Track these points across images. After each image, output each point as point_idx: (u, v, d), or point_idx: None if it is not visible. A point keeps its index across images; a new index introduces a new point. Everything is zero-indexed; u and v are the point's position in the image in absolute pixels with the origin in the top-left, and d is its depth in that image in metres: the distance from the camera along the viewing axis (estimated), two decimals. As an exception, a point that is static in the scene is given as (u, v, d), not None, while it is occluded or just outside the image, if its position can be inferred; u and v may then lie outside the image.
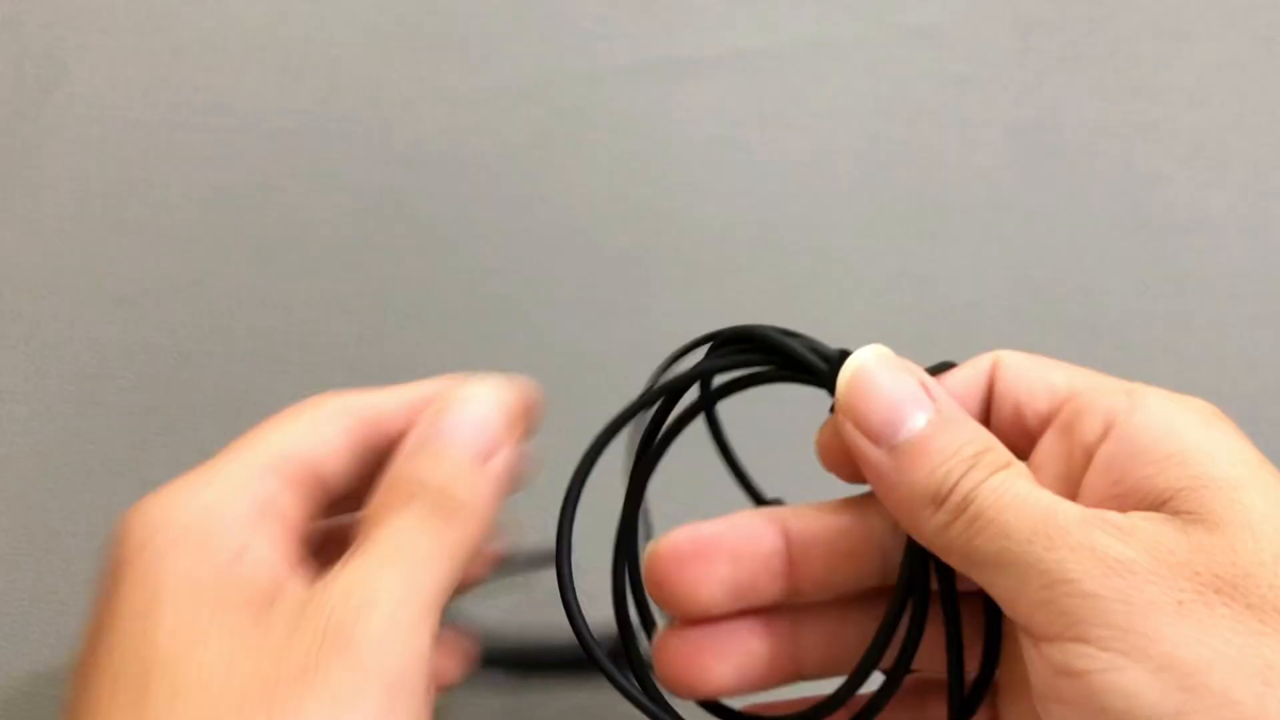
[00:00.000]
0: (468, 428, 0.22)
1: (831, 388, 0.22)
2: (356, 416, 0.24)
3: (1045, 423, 0.22)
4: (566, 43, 0.46)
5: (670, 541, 0.23)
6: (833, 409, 0.23)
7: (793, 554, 0.23)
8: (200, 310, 0.41)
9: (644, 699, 0.23)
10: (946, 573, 0.22)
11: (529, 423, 0.24)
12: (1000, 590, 0.20)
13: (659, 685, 0.24)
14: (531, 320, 0.41)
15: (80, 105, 0.45)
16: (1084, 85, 0.45)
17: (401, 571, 0.20)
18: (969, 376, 0.23)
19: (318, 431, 0.23)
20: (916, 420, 0.21)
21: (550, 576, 0.23)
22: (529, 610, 0.33)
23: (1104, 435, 0.21)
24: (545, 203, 0.43)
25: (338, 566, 0.21)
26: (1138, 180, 0.43)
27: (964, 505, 0.20)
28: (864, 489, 0.23)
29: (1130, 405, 0.21)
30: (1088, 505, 0.20)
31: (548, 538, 0.23)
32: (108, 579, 0.21)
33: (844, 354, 0.23)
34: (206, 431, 0.39)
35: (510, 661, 0.29)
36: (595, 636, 0.23)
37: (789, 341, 0.23)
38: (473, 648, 0.27)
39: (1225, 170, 0.43)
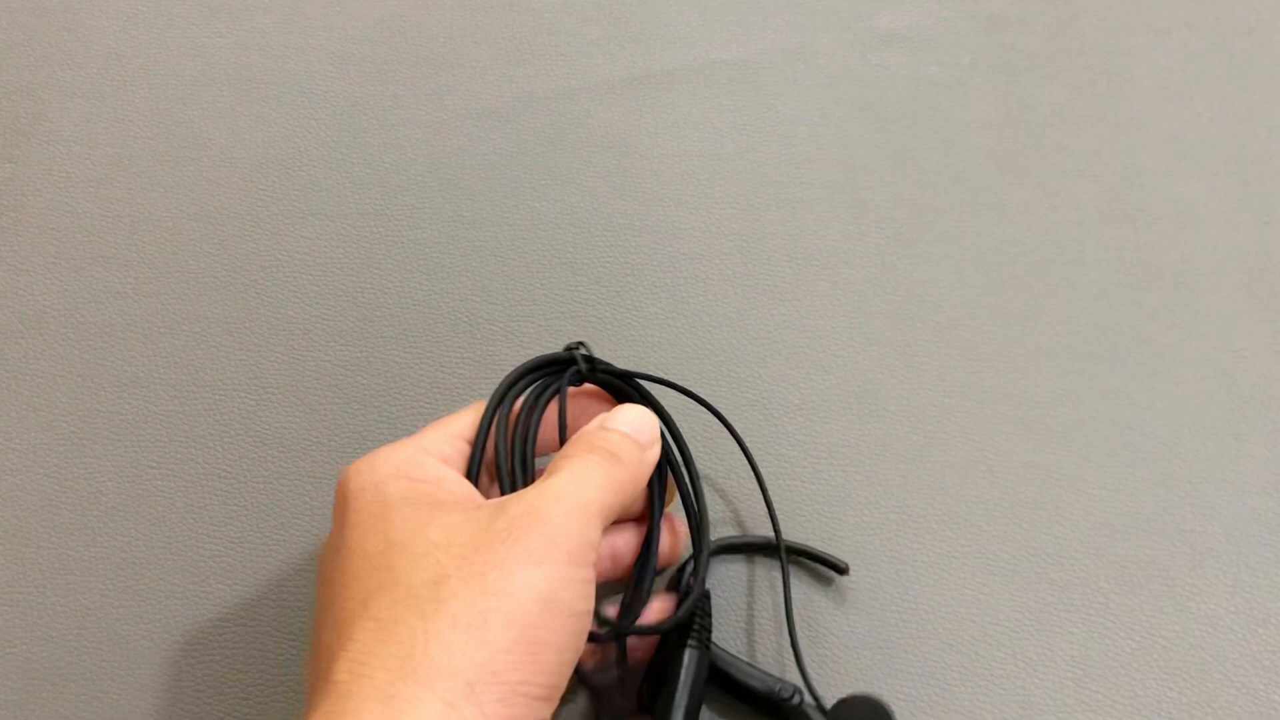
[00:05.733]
0: (630, 420, 0.32)
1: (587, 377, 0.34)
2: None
3: None
4: (541, 61, 0.46)
5: None
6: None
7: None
8: (185, 341, 0.41)
9: None
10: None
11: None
12: None
13: None
14: (515, 335, 0.41)
15: (61, 142, 0.45)
16: (1056, 82, 0.45)
17: (580, 486, 0.29)
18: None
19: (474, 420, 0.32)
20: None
21: None
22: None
23: None
24: (525, 219, 0.43)
25: (532, 485, 0.29)
26: (1114, 174, 0.43)
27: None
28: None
29: None
30: None
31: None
32: (340, 513, 0.29)
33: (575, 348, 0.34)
34: (202, 463, 0.39)
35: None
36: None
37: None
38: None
39: (1200, 161, 0.44)
